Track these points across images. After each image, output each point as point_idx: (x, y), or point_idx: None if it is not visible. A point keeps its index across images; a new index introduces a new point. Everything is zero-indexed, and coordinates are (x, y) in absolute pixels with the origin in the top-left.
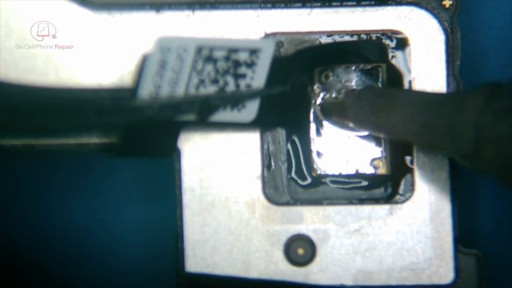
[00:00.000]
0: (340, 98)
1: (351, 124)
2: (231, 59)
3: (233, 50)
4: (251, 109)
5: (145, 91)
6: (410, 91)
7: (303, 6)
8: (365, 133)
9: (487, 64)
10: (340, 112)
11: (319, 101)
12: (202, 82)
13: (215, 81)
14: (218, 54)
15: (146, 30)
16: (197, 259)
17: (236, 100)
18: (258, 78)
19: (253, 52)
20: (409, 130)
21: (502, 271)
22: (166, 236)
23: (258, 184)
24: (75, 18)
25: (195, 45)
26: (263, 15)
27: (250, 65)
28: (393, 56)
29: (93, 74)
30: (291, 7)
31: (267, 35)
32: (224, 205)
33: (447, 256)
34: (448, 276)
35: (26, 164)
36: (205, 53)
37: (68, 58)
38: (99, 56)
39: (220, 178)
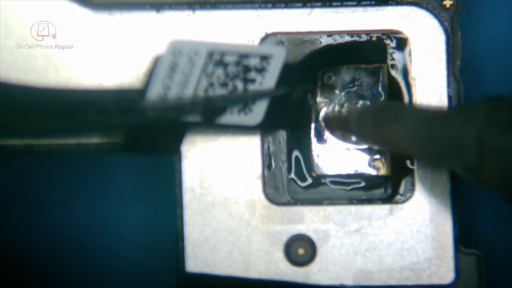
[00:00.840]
0: (343, 112)
1: (354, 138)
2: (241, 64)
3: (244, 56)
4: (258, 113)
5: (154, 92)
6: (413, 105)
7: (304, 6)
8: (365, 146)
9: (487, 64)
10: (343, 126)
11: (321, 113)
12: (211, 85)
13: (224, 85)
14: (229, 59)
15: (147, 30)
16: (197, 259)
17: (240, 101)
18: (267, 83)
19: (264, 58)
20: (412, 144)
21: (502, 271)
22: (166, 236)
23: (259, 184)
24: (76, 18)
25: (206, 49)
26: (264, 15)
27: (260, 70)
28: (392, 58)
29: (93, 74)
30: (291, 7)
31: (267, 35)
32: (224, 205)
33: (448, 256)
34: (448, 276)
35: (26, 164)
36: (216, 57)
37: (68, 58)
38: (99, 56)
39: (220, 178)
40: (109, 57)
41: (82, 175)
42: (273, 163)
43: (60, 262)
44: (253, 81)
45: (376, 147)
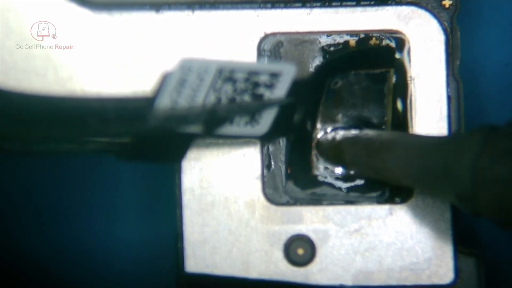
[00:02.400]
0: (336, 141)
1: (347, 168)
2: (250, 80)
3: (253, 73)
4: (264, 124)
5: (161, 105)
6: (406, 134)
7: (303, 6)
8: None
9: (487, 64)
10: (336, 156)
11: (315, 141)
12: (219, 100)
13: (232, 100)
14: (238, 75)
15: (146, 30)
16: (197, 259)
17: (243, 111)
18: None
19: (274, 75)
20: (406, 174)
21: (502, 271)
22: (166, 236)
23: (258, 184)
24: (75, 18)
25: (216, 67)
26: (263, 15)
27: (269, 86)
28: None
29: (93, 74)
30: (290, 7)
31: (266, 35)
32: (224, 205)
33: (447, 256)
34: (448, 276)
35: (27, 164)
36: (225, 74)
37: (68, 58)
38: (99, 56)
39: (220, 178)
40: (108, 57)
41: (81, 176)
42: (272, 163)
43: (60, 261)
44: (261, 96)
45: (369, 177)
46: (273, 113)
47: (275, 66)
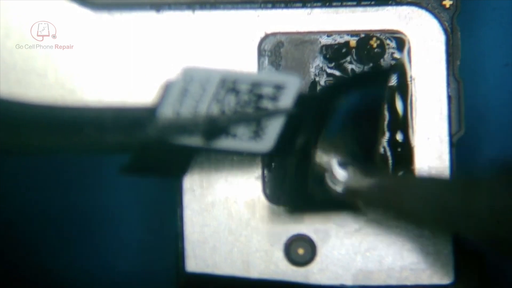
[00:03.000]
0: (352, 188)
1: (363, 210)
2: (253, 92)
3: (257, 84)
4: (268, 140)
5: (164, 116)
6: (421, 175)
7: (303, 6)
8: None
9: (487, 64)
10: (350, 199)
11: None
12: (222, 111)
13: (235, 112)
14: (242, 86)
15: (146, 30)
16: (197, 259)
17: (242, 121)
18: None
19: (278, 87)
20: (425, 213)
21: (502, 271)
22: (166, 236)
23: (258, 184)
24: (75, 18)
25: (219, 77)
26: (263, 15)
27: (273, 98)
28: (393, 59)
29: (93, 75)
30: (291, 7)
31: (267, 35)
32: (224, 205)
33: (447, 256)
34: (448, 276)
35: (27, 165)
36: (229, 85)
37: (68, 58)
38: (99, 56)
39: (220, 178)
40: (109, 57)
41: (81, 176)
42: (273, 163)
43: (59, 261)
44: (265, 109)
45: (389, 221)
46: (277, 128)
47: (280, 78)
